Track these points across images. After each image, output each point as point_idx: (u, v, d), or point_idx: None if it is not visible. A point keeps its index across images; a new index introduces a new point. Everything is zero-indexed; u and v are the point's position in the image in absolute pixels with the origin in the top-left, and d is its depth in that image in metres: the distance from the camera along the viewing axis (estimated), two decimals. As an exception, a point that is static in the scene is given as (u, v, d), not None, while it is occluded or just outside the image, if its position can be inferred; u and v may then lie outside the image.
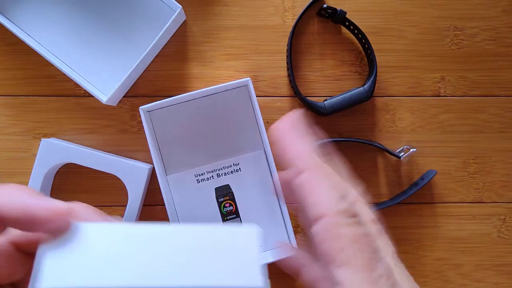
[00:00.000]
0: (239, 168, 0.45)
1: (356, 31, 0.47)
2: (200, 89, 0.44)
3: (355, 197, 0.19)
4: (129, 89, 0.47)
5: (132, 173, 0.44)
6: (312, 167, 0.19)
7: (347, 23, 0.47)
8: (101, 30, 0.47)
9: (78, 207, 0.18)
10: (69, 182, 0.47)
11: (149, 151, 0.43)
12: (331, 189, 0.19)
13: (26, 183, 0.45)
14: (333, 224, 0.18)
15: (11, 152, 0.47)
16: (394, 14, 0.48)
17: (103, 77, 0.46)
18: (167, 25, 0.43)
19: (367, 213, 0.21)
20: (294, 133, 0.21)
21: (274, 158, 0.44)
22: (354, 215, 0.19)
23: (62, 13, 0.47)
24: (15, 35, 0.45)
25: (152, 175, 0.47)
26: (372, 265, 0.18)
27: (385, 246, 0.19)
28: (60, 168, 0.47)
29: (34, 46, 0.44)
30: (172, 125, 0.44)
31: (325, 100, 0.47)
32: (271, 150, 0.43)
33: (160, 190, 0.41)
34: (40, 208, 0.16)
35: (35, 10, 0.46)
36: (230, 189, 0.44)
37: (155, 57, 0.47)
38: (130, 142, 0.47)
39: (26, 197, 0.16)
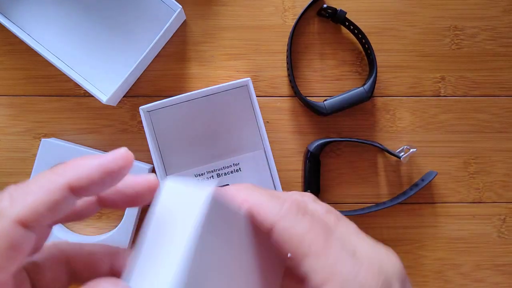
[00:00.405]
0: (239, 168, 0.45)
1: (356, 31, 0.47)
2: (200, 89, 0.44)
3: (296, 199, 0.21)
4: (129, 89, 0.47)
5: (132, 173, 0.44)
6: (247, 198, 0.20)
7: (347, 23, 0.47)
8: (101, 30, 0.47)
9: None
10: (69, 182, 0.47)
11: (149, 151, 0.43)
12: (269, 200, 0.20)
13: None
14: (286, 226, 0.19)
15: (11, 152, 0.47)
16: (394, 14, 0.48)
17: (103, 77, 0.46)
18: (167, 25, 0.43)
19: (319, 207, 0.22)
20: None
21: (273, 158, 0.44)
22: (302, 208, 0.20)
23: (63, 13, 0.47)
24: (15, 35, 0.45)
25: (152, 175, 0.47)
26: (328, 243, 0.19)
27: (346, 228, 0.20)
28: (60, 168, 0.47)
29: (34, 46, 0.44)
30: (172, 125, 0.44)
31: (325, 100, 0.47)
32: (270, 150, 0.43)
33: (160, 190, 0.41)
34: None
35: (36, 10, 0.46)
36: (230, 189, 0.44)
37: (155, 57, 0.47)
38: (130, 142, 0.47)
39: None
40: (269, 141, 0.44)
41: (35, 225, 0.16)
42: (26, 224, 0.15)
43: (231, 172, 0.45)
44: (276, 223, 0.19)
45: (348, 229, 0.21)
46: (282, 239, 0.19)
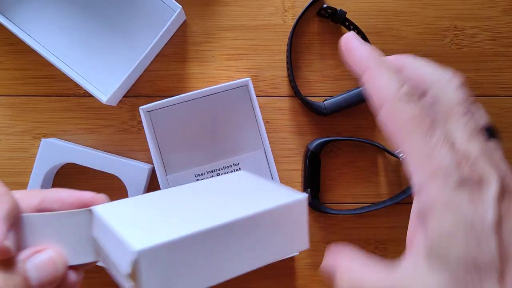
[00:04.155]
0: (239, 168, 0.45)
1: (356, 31, 0.47)
2: (200, 89, 0.44)
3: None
4: (129, 89, 0.47)
5: (132, 173, 0.44)
6: (371, 66, 0.21)
7: (347, 23, 0.47)
8: (101, 30, 0.47)
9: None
10: (69, 182, 0.47)
11: (149, 151, 0.43)
12: (391, 78, 0.20)
13: (26, 183, 0.45)
14: (394, 108, 0.19)
15: (11, 152, 0.47)
16: (394, 14, 0.48)
17: (103, 77, 0.46)
18: (167, 25, 0.43)
19: (444, 85, 0.22)
20: (356, 41, 0.23)
21: (273, 158, 0.44)
22: (412, 96, 0.19)
23: (62, 13, 0.47)
24: (15, 35, 0.45)
25: (152, 175, 0.47)
26: (428, 135, 0.19)
27: (458, 120, 0.20)
28: (60, 168, 0.47)
29: (34, 46, 0.44)
30: (172, 125, 0.44)
31: (325, 100, 0.47)
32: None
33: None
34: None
35: (35, 10, 0.46)
36: (230, 189, 0.44)
37: (155, 57, 0.47)
38: (130, 142, 0.47)
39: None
40: (269, 141, 0.44)
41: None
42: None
43: (231, 172, 0.45)
44: (385, 104, 0.20)
45: (457, 121, 0.20)
46: (385, 124, 0.20)
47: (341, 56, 0.23)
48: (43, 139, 0.45)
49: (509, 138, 0.49)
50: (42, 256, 0.22)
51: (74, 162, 0.44)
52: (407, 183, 0.48)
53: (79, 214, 0.24)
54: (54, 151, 0.44)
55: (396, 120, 0.19)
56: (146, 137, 0.43)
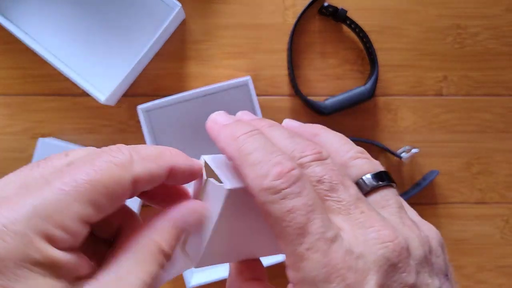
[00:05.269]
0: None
1: (357, 30, 0.46)
2: (200, 88, 0.43)
3: (284, 165, 0.18)
4: (128, 88, 0.47)
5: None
6: (233, 152, 0.19)
7: (348, 22, 0.46)
8: (100, 29, 0.46)
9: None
10: (67, 183, 0.47)
11: (148, 151, 0.42)
12: (252, 167, 0.18)
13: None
14: (260, 202, 0.18)
15: (8, 152, 0.46)
16: (395, 12, 0.48)
17: (101, 76, 0.46)
18: (166, 23, 0.42)
19: (327, 178, 0.19)
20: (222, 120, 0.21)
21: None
22: (277, 191, 0.17)
23: (60, 12, 0.46)
24: (12, 34, 0.44)
25: (151, 176, 0.46)
26: (298, 241, 0.17)
27: (324, 220, 0.17)
28: (57, 168, 0.46)
29: (32, 45, 0.44)
30: (171, 124, 0.44)
31: (326, 99, 0.46)
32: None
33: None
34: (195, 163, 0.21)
35: (33, 9, 0.46)
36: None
37: (154, 56, 0.47)
38: (128, 141, 0.46)
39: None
40: (269, 141, 0.43)
41: (140, 188, 0.18)
42: (136, 184, 0.18)
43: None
44: (253, 194, 0.18)
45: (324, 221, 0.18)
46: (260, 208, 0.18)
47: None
48: (40, 139, 0.44)
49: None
50: None
51: (72, 162, 0.44)
52: (409, 184, 0.48)
53: None
54: (51, 151, 0.44)
55: (265, 214, 0.18)
56: (144, 136, 0.42)
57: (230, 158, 0.19)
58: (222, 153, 0.21)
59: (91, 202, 0.16)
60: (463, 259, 0.48)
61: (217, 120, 0.21)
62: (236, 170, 0.20)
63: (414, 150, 0.46)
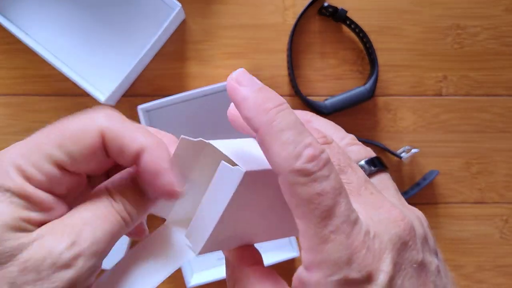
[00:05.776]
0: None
1: (357, 30, 0.46)
2: (200, 88, 0.43)
3: (315, 148, 0.17)
4: (128, 88, 0.47)
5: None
6: (263, 125, 0.18)
7: (348, 22, 0.46)
8: (100, 29, 0.46)
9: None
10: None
11: (148, 151, 0.42)
12: (284, 145, 0.17)
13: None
14: (288, 182, 0.17)
15: (8, 152, 0.46)
16: (395, 12, 0.48)
17: (102, 76, 0.46)
18: (166, 23, 0.43)
19: (336, 161, 0.19)
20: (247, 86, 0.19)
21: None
22: (308, 174, 0.17)
23: (61, 12, 0.46)
24: (13, 34, 0.44)
25: (151, 175, 0.46)
26: (323, 223, 0.17)
27: (347, 205, 0.17)
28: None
29: (32, 45, 0.44)
30: (171, 124, 0.44)
31: (326, 100, 0.46)
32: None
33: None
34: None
35: (34, 9, 0.46)
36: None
37: (154, 56, 0.47)
38: (128, 142, 0.47)
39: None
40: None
41: (109, 147, 0.20)
42: (104, 138, 0.20)
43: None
44: (280, 176, 0.17)
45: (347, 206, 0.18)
46: (283, 190, 0.18)
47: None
48: (40, 139, 0.44)
49: None
50: None
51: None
52: (409, 184, 0.48)
53: None
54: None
55: (292, 195, 0.17)
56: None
57: (255, 130, 0.18)
58: (242, 120, 0.19)
59: (59, 145, 0.19)
60: (462, 258, 0.48)
61: (242, 81, 0.19)
62: (244, 151, 0.19)
63: (414, 150, 0.46)
